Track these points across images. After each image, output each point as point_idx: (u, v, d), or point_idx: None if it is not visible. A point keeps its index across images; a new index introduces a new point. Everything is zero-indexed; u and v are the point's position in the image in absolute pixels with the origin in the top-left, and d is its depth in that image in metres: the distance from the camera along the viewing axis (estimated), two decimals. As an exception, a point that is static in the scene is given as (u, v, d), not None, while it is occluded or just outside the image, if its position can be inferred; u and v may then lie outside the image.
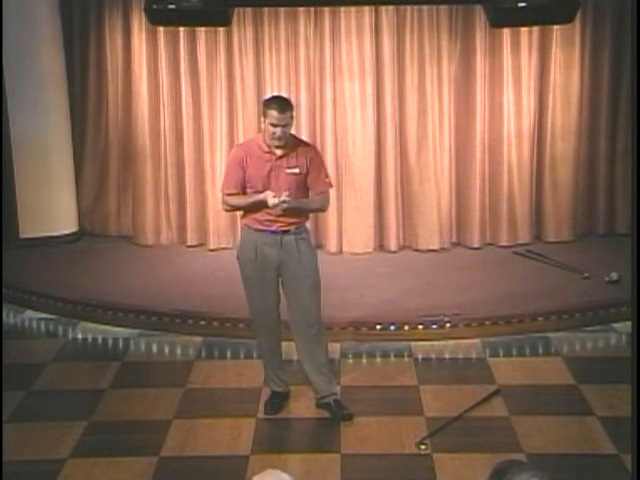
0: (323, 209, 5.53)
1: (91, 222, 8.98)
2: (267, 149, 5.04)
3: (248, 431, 5.18)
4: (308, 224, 5.44)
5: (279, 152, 5.04)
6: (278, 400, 5.41)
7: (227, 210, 5.48)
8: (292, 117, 5.07)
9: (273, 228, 5.07)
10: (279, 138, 4.98)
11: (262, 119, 5.06)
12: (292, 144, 5.10)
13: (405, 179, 8.36)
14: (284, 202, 4.91)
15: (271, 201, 4.92)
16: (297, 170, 5.06)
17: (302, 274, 5.15)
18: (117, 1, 8.44)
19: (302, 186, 5.12)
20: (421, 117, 8.24)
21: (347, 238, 8.23)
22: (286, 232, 5.09)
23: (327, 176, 5.30)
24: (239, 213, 5.40)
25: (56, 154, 8.55)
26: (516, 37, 8.08)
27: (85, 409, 5.52)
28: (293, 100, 8.12)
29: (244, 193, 5.13)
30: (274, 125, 4.93)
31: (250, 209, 5.12)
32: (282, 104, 5.03)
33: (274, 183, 5.02)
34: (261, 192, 5.02)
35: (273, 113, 4.93)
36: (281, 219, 5.04)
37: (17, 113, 8.28)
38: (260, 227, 5.09)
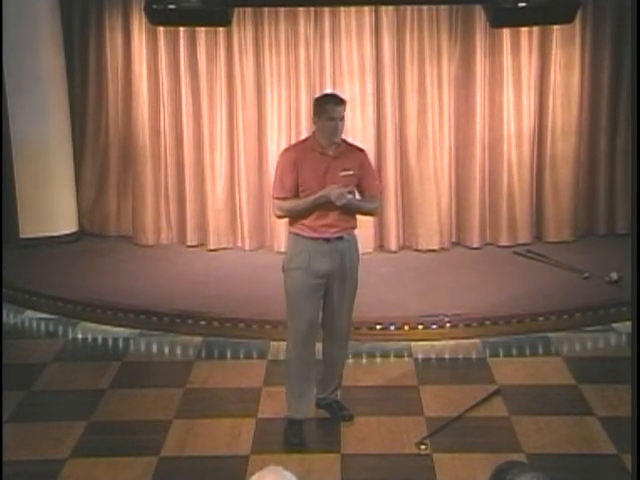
0: (375, 212, 5.39)
1: (91, 222, 8.98)
2: (320, 150, 4.91)
3: (248, 431, 5.18)
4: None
5: (332, 153, 4.92)
6: (298, 428, 5.09)
7: (280, 216, 5.15)
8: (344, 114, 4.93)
9: (327, 235, 4.90)
10: (337, 132, 4.86)
11: (315, 119, 4.94)
12: (344, 146, 5.01)
13: (405, 179, 8.37)
14: (349, 192, 4.81)
15: (334, 192, 4.76)
16: (351, 172, 4.92)
17: (348, 281, 5.03)
18: (117, 1, 8.44)
19: (355, 189, 5.01)
20: (421, 117, 8.24)
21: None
22: (340, 239, 4.94)
23: (378, 179, 5.23)
24: (285, 220, 5.16)
25: (56, 154, 8.55)
26: (516, 37, 8.09)
27: (85, 409, 5.52)
28: (293, 100, 8.22)
29: (297, 198, 4.94)
30: (332, 118, 4.82)
31: (306, 213, 4.89)
32: (337, 98, 5.01)
33: (330, 184, 4.84)
34: None
35: (330, 107, 4.85)
36: (336, 224, 4.90)
37: (17, 113, 8.29)
38: (314, 235, 4.89)
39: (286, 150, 5.21)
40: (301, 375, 5.07)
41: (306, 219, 4.90)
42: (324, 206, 4.85)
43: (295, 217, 4.97)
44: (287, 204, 4.96)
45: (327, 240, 4.92)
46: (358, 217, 5.12)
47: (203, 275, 7.72)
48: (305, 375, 5.07)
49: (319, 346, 5.20)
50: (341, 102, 4.93)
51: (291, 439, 5.03)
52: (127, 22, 8.41)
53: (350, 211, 4.96)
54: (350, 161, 4.97)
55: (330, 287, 5.00)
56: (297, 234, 4.97)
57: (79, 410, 5.55)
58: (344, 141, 5.07)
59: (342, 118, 4.89)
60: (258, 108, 8.31)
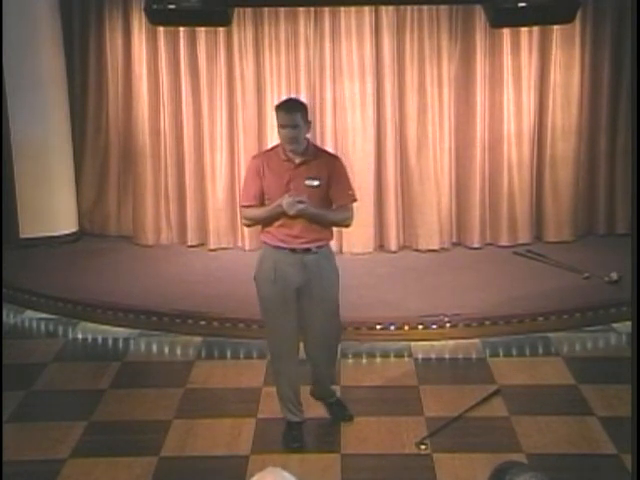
0: (346, 223, 5.05)
1: (91, 222, 8.98)
2: (285, 157, 4.79)
3: (248, 431, 5.18)
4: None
5: (298, 160, 4.78)
6: (298, 432, 5.05)
7: (247, 225, 5.16)
8: (306, 120, 4.78)
9: (293, 245, 4.76)
10: (290, 140, 4.72)
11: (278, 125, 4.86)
12: (313, 153, 4.86)
13: (405, 179, 8.37)
14: (300, 202, 4.62)
15: (286, 200, 4.63)
16: (317, 182, 4.76)
17: (321, 299, 4.86)
18: (117, 1, 8.44)
19: (324, 199, 4.83)
20: (421, 117, 8.24)
21: (347, 238, 8.22)
22: (307, 250, 4.78)
23: (351, 189, 4.96)
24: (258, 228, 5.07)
25: (56, 154, 8.55)
26: (516, 37, 8.09)
27: (85, 409, 5.52)
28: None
29: (262, 206, 4.86)
30: (283, 126, 4.72)
31: (269, 222, 4.80)
32: (289, 105, 4.88)
33: (293, 193, 4.70)
34: None
35: (280, 114, 4.75)
36: (303, 235, 4.76)
37: (17, 113, 8.29)
38: (279, 244, 4.78)
39: (253, 157, 5.12)
40: (286, 382, 5.03)
41: (272, 228, 4.80)
42: (288, 215, 4.70)
43: (263, 225, 4.87)
44: (250, 212, 4.90)
45: (293, 250, 4.79)
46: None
47: (203, 275, 7.72)
48: (291, 382, 5.02)
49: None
50: (294, 109, 4.77)
51: (290, 443, 5.00)
52: (127, 22, 8.41)
53: (316, 222, 4.78)
54: (317, 169, 4.81)
55: (301, 302, 4.87)
56: (265, 242, 4.90)
57: (79, 410, 5.56)
58: (316, 147, 5.00)
59: (295, 126, 4.71)
60: (258, 108, 8.31)
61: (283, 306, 4.85)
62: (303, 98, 8.11)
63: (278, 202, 4.71)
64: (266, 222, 4.84)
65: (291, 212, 4.66)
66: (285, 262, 4.80)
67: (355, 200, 5.03)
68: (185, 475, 4.80)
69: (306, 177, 4.78)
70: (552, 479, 2.34)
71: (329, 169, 4.86)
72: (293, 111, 4.78)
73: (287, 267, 4.80)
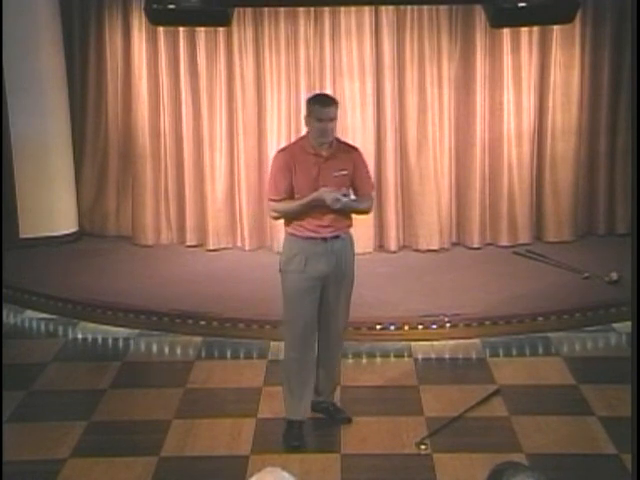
0: (369, 210, 5.29)
1: (91, 222, 8.98)
2: (313, 151, 4.87)
3: (248, 431, 5.18)
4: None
5: (325, 153, 4.87)
6: (298, 430, 5.06)
7: (276, 218, 5.14)
8: (336, 114, 4.87)
9: (324, 234, 4.87)
10: (327, 134, 4.82)
11: (306, 119, 4.91)
12: (337, 146, 4.95)
13: (405, 179, 8.36)
14: (345, 195, 4.80)
15: (330, 196, 4.73)
16: (345, 172, 4.89)
17: (345, 281, 5.02)
18: (117, 1, 8.44)
19: (348, 188, 4.98)
20: (421, 117, 8.24)
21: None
22: (336, 238, 4.92)
23: (371, 178, 5.22)
24: (282, 221, 5.12)
25: (56, 154, 8.55)
26: (516, 37, 8.09)
27: (85, 409, 5.52)
28: (293, 100, 8.22)
29: (291, 199, 4.92)
30: (320, 120, 4.78)
31: (301, 214, 4.87)
32: (326, 99, 5.00)
33: (323, 186, 4.81)
34: None
35: (318, 108, 4.81)
36: (332, 224, 4.87)
37: (17, 113, 8.28)
38: (310, 235, 4.86)
39: (279, 151, 5.18)
40: (300, 377, 5.04)
41: (302, 220, 4.89)
42: (319, 207, 4.82)
43: (291, 218, 4.95)
44: (281, 206, 4.95)
45: (324, 240, 4.90)
46: (354, 216, 5.11)
47: (203, 275, 7.72)
48: (305, 377, 5.05)
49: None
50: (330, 103, 4.90)
51: (291, 442, 5.01)
52: (127, 22, 8.41)
53: (346, 211, 4.94)
54: (343, 161, 4.94)
55: (326, 287, 4.98)
56: (293, 234, 4.95)
57: (79, 410, 5.55)
58: (337, 140, 5.05)
59: (332, 119, 4.83)
60: (258, 108, 8.31)
61: (307, 296, 4.92)
62: (303, 98, 8.18)
63: (315, 196, 4.79)
64: (296, 215, 4.91)
65: (335, 207, 4.78)
66: (316, 252, 4.89)
67: (374, 188, 5.30)
68: (185, 475, 4.80)
69: (334, 170, 4.88)
70: (552, 479, 2.34)
71: (352, 160, 5.00)
72: (330, 105, 4.87)
73: (318, 257, 4.89)
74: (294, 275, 4.91)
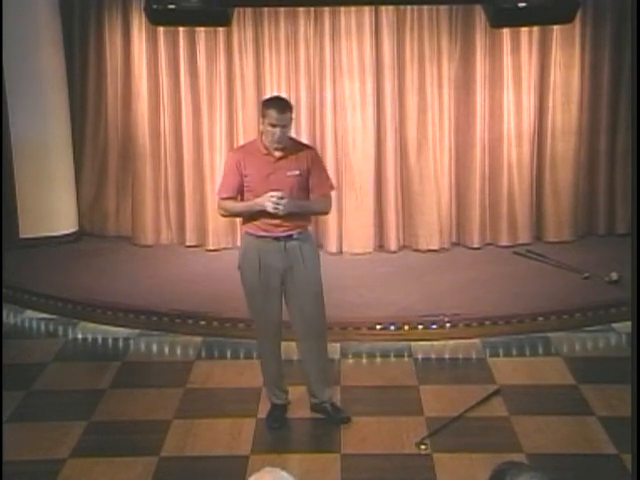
0: (325, 211, 5.34)
1: (90, 222, 8.98)
2: (266, 151, 4.92)
3: (248, 431, 5.18)
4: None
5: (278, 154, 4.92)
6: (280, 413, 5.28)
7: (224, 215, 5.31)
8: (291, 118, 4.96)
9: (276, 233, 4.92)
10: (279, 139, 4.87)
11: (261, 120, 4.96)
12: (291, 146, 4.99)
13: (405, 179, 8.36)
14: (282, 198, 4.77)
15: (269, 204, 4.78)
16: (297, 172, 4.92)
17: (305, 281, 5.02)
18: (117, 1, 8.44)
19: (304, 189, 4.99)
20: (421, 117, 8.24)
21: (347, 238, 8.23)
22: (289, 237, 4.95)
23: (328, 178, 5.22)
24: (239, 220, 5.28)
25: (56, 154, 8.55)
26: (516, 37, 8.08)
27: (85, 409, 5.52)
28: (293, 100, 8.18)
29: (242, 198, 5.00)
30: (273, 125, 4.82)
31: (249, 214, 4.97)
32: (281, 104, 4.95)
33: (274, 186, 4.84)
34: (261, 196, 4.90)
35: (272, 113, 4.83)
36: (284, 223, 4.90)
37: (17, 113, 8.28)
38: (262, 233, 4.94)
39: (232, 151, 5.28)
40: (272, 368, 5.26)
41: (255, 219, 4.96)
42: (265, 210, 4.87)
43: (244, 217, 5.05)
44: (228, 204, 5.07)
45: (276, 239, 4.95)
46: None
47: (203, 275, 7.71)
48: (275, 367, 5.26)
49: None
50: (285, 109, 4.89)
51: (272, 424, 5.21)
52: (127, 22, 8.41)
53: (299, 212, 4.94)
54: (297, 161, 4.96)
55: (288, 287, 5.04)
56: (248, 232, 5.06)
57: (79, 410, 5.55)
58: (292, 140, 5.09)
59: (285, 125, 4.86)
60: (258, 108, 8.30)
61: (268, 292, 5.03)
62: (303, 98, 8.20)
63: (258, 201, 4.86)
64: (241, 215, 5.08)
65: (280, 213, 4.82)
66: (269, 250, 4.97)
67: (333, 188, 5.29)
68: (185, 475, 4.80)
69: (287, 170, 4.93)
70: (552, 479, 2.34)
71: (307, 161, 5.02)
72: (284, 111, 4.89)
73: (271, 254, 4.97)
74: (250, 271, 5.03)
